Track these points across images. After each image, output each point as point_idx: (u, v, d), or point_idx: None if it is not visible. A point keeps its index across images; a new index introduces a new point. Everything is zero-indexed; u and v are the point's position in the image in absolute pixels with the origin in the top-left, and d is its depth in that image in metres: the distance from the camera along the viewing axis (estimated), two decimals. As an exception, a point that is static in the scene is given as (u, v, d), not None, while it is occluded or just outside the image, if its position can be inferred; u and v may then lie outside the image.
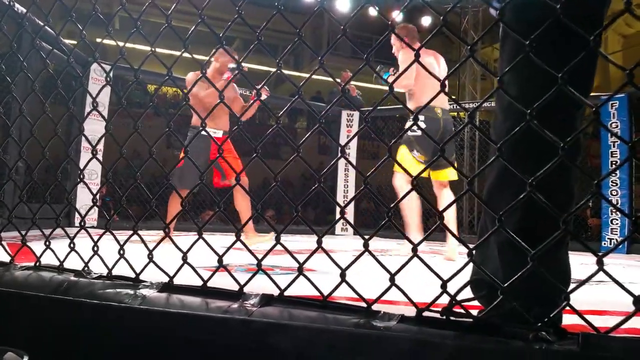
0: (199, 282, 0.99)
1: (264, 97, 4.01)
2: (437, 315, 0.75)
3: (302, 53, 15.55)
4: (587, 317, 0.71)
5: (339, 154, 0.87)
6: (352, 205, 6.58)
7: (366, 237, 0.85)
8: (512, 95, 0.71)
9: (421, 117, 3.37)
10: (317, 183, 0.86)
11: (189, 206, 7.14)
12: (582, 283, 0.69)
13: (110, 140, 1.26)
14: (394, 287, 0.82)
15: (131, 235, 1.11)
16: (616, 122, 5.31)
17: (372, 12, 9.14)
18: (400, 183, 3.52)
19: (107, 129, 1.23)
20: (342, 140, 6.43)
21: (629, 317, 0.65)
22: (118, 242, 1.12)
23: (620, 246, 4.89)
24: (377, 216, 7.03)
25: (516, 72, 0.77)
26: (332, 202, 6.98)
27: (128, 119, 1.21)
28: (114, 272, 1.10)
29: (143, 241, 1.10)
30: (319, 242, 0.87)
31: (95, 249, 1.15)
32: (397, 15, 6.83)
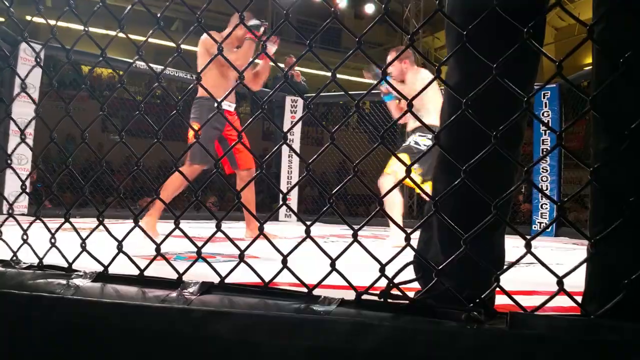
0: (136, 272, 0.96)
1: (273, 49, 3.70)
2: (376, 298, 0.77)
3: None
4: (517, 297, 0.75)
5: (282, 140, 0.87)
6: (295, 191, 6.60)
7: (308, 223, 0.86)
8: (452, 85, 0.73)
9: (429, 136, 3.61)
10: (260, 169, 0.86)
11: (124, 192, 6.92)
12: (511, 265, 0.72)
13: (42, 124, 1.19)
14: (335, 273, 0.83)
15: (63, 223, 1.07)
16: (547, 112, 5.59)
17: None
18: (387, 185, 3.59)
19: (37, 112, 1.17)
20: (286, 126, 6.42)
21: (552, 296, 0.69)
22: (49, 230, 1.07)
23: (548, 229, 5.19)
24: (321, 203, 7.10)
25: (456, 62, 0.79)
26: (276, 189, 6.97)
27: (61, 102, 1.15)
28: (45, 262, 1.06)
29: (75, 229, 1.05)
30: (261, 229, 0.86)
31: (25, 237, 1.09)
32: (341, 1, 6.86)
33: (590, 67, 0.81)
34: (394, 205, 3.60)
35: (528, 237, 0.70)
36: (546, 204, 5.51)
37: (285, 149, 6.38)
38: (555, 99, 5.60)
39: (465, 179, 0.69)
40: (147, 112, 1.04)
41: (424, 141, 3.68)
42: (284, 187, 6.46)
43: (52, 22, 1.10)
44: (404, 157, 3.65)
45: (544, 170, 5.58)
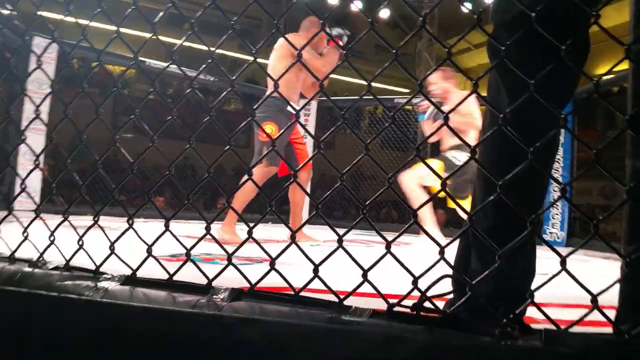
0: (163, 275, 0.97)
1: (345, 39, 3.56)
2: (407, 310, 0.77)
3: (259, 38, 15.35)
4: (546, 309, 0.75)
5: (317, 148, 0.88)
6: (306, 196, 6.59)
7: (340, 232, 0.86)
8: (490, 100, 0.73)
9: (467, 153, 3.53)
10: (293, 178, 0.86)
11: (138, 192, 6.97)
12: (545, 282, 0.72)
13: (56, 120, 1.20)
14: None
15: (92, 225, 1.08)
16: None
17: (331, 0, 9.11)
18: (412, 184, 3.57)
19: (37, 113, 1.18)
20: (299, 129, 6.41)
21: (586, 314, 0.69)
22: (76, 231, 1.08)
23: (559, 240, 5.17)
24: (332, 207, 7.10)
25: (495, 77, 0.79)
26: (285, 193, 6.97)
27: (80, 98, 1.16)
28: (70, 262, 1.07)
29: (104, 232, 1.06)
30: (293, 237, 0.87)
31: (52, 238, 1.11)
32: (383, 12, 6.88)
33: (603, 76, 0.81)
34: (424, 215, 3.58)
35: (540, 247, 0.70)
36: (557, 214, 5.48)
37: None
38: (567, 108, 5.57)
39: (501, 194, 0.70)
40: (162, 111, 1.04)
41: (461, 156, 3.68)
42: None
43: (82, 21, 1.11)
44: (439, 164, 3.66)
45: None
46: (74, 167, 1.17)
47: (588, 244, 0.81)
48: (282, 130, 2.56)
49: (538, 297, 0.74)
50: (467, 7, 7.81)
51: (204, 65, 0.98)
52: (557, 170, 5.50)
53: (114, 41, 1.09)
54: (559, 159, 5.47)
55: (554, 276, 0.70)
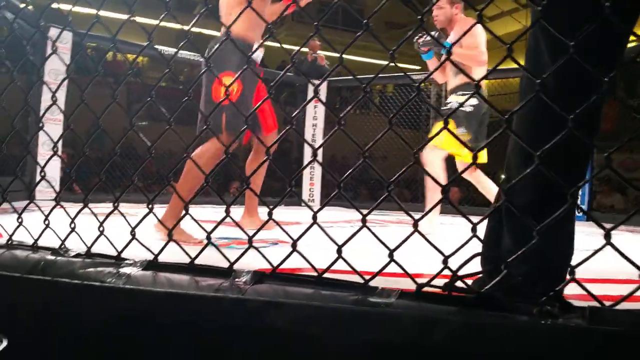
0: (184, 259, 0.95)
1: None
2: (437, 290, 0.74)
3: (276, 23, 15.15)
4: (587, 286, 0.71)
5: (337, 126, 0.84)
6: (318, 176, 6.57)
7: (364, 212, 0.83)
8: (526, 63, 0.69)
9: (469, 93, 3.01)
10: (313, 157, 0.83)
11: (154, 178, 6.98)
12: (588, 257, 0.69)
13: (81, 110, 1.19)
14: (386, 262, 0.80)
15: (112, 211, 1.06)
16: (579, 94, 5.44)
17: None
18: (432, 158, 3.12)
19: (54, 100, 1.16)
20: (310, 111, 6.37)
21: (634, 290, 0.65)
22: (97, 218, 1.07)
23: (580, 214, 5.08)
24: (344, 188, 7.07)
25: (532, 36, 0.74)
26: (294, 174, 6.95)
27: (95, 88, 1.14)
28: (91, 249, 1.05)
29: (124, 217, 1.05)
30: (315, 218, 0.84)
31: (73, 225, 1.09)
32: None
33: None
34: (488, 185, 3.13)
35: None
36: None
37: (308, 134, 6.35)
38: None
39: (538, 166, 0.66)
40: (174, 98, 1.01)
41: (468, 101, 3.04)
42: (306, 172, 6.42)
43: (91, 10, 1.08)
44: (450, 125, 3.26)
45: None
46: (91, 155, 1.15)
47: (610, 217, 0.77)
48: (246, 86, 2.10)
49: (578, 273, 0.70)
50: None
51: (217, 45, 0.94)
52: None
53: (127, 30, 1.06)
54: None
55: (597, 250, 0.66)
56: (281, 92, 11.13)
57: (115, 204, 1.02)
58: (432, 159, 3.11)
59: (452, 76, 3.21)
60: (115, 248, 1.02)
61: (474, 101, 3.05)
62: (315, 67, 7.03)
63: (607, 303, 0.67)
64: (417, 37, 3.19)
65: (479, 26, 2.80)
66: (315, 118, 6.53)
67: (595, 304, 0.66)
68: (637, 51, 0.84)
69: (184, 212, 0.92)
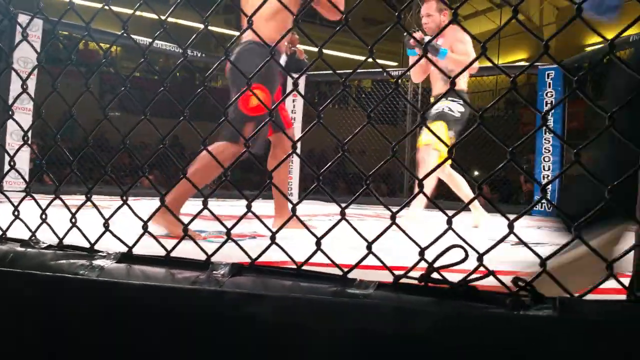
0: (159, 252, 0.94)
1: None
2: (414, 282, 0.75)
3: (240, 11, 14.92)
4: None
5: (317, 118, 0.84)
6: (297, 170, 6.57)
7: (343, 205, 0.84)
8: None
9: (460, 101, 3.25)
10: (292, 150, 0.83)
11: (127, 170, 6.87)
12: (558, 250, 0.70)
13: (51, 99, 1.16)
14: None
15: (85, 202, 1.04)
16: (551, 92, 5.55)
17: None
18: (431, 160, 3.25)
19: (24, 87, 1.13)
20: (289, 104, 6.35)
21: (602, 281, 0.67)
22: (69, 209, 1.05)
23: (549, 210, 5.22)
24: (323, 182, 7.08)
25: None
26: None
27: (66, 77, 1.12)
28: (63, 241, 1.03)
29: (98, 209, 1.03)
30: (294, 210, 0.84)
31: (44, 216, 1.07)
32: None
33: (591, 47, 0.77)
34: (461, 183, 3.37)
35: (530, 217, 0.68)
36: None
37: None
38: (559, 79, 5.55)
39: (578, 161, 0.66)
40: (149, 89, 1.00)
41: (457, 107, 3.32)
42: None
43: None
44: (441, 124, 3.27)
45: (547, 151, 5.57)
46: (62, 146, 1.12)
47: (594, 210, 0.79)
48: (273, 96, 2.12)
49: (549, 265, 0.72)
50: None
51: (195, 35, 0.93)
52: (548, 140, 5.51)
53: (102, 18, 1.04)
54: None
55: (567, 243, 0.68)
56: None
57: (88, 195, 1.00)
58: (431, 160, 3.21)
59: (441, 81, 3.36)
60: (88, 240, 1.00)
61: (462, 108, 3.28)
62: (294, 61, 7.00)
63: (577, 294, 0.69)
64: (407, 37, 3.28)
65: (467, 35, 3.07)
66: (294, 112, 6.52)
67: (565, 294, 0.68)
68: (604, 52, 0.85)
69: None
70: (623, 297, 0.71)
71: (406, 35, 3.21)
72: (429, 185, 3.24)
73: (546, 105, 5.49)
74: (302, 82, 6.63)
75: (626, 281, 0.71)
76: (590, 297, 0.68)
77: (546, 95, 5.56)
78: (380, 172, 7.68)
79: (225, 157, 2.15)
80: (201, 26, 0.85)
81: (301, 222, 0.90)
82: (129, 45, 6.63)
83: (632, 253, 0.70)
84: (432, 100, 3.54)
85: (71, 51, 0.99)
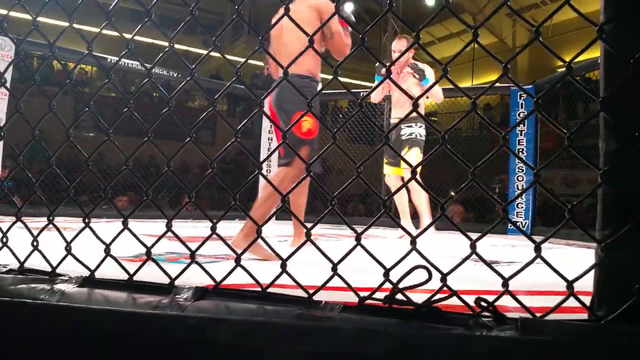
0: (122, 276, 0.92)
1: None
2: (379, 303, 0.75)
3: (223, 32, 14.98)
4: (520, 297, 0.73)
5: (282, 138, 0.84)
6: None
7: (308, 225, 0.83)
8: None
9: (419, 124, 3.64)
10: (258, 170, 0.82)
11: (101, 192, 6.72)
12: (520, 270, 0.71)
13: (16, 119, 1.14)
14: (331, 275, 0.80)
15: (46, 225, 1.01)
16: (524, 112, 5.66)
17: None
18: (415, 184, 3.52)
19: None
20: (265, 124, 6.35)
21: (562, 301, 0.67)
22: (31, 232, 1.02)
23: (522, 227, 5.28)
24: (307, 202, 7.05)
25: None
26: (251, 188, 6.89)
27: (30, 97, 1.10)
28: (25, 265, 1.00)
29: (60, 232, 1.00)
30: (259, 232, 0.83)
31: (5, 240, 1.04)
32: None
33: (576, 57, 0.78)
34: (423, 199, 3.59)
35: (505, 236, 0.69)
36: (522, 204, 5.58)
37: (264, 148, 6.32)
38: (531, 100, 5.67)
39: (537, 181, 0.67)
40: (120, 107, 0.99)
41: (423, 131, 3.68)
42: (262, 186, 6.37)
43: (26, 16, 1.05)
44: (418, 151, 3.59)
45: (520, 170, 5.66)
46: (34, 167, 1.10)
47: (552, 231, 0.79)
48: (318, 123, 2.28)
49: (511, 285, 0.72)
50: None
51: (161, 55, 0.93)
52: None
53: (76, 38, 1.03)
54: (522, 149, 5.58)
55: (529, 263, 0.69)
56: (237, 104, 11.10)
57: (50, 218, 0.97)
58: (413, 185, 3.47)
59: (406, 104, 3.60)
60: (49, 263, 0.98)
61: (424, 132, 3.67)
62: (271, 81, 7.05)
63: (539, 314, 0.69)
64: (378, 64, 3.48)
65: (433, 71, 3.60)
66: (270, 132, 6.51)
67: (527, 315, 0.68)
68: (560, 78, 0.87)
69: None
70: (585, 315, 0.72)
71: (378, 65, 3.49)
72: (423, 197, 3.57)
73: (519, 126, 5.60)
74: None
75: (587, 299, 0.71)
76: (552, 316, 0.69)
77: (519, 115, 5.66)
78: (358, 192, 7.69)
79: (289, 181, 2.28)
80: (183, 47, 0.84)
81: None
82: (105, 65, 6.59)
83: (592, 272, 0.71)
84: (394, 121, 3.78)
85: (35, 71, 0.98)
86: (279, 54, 2.51)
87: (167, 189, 6.66)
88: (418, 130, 3.64)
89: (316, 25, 2.32)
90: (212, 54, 0.92)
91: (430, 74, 3.53)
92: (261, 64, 7.24)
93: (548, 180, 7.35)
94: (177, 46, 0.89)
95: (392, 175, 3.86)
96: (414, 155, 3.55)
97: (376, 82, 3.71)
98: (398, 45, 3.59)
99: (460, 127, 9.65)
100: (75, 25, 1.01)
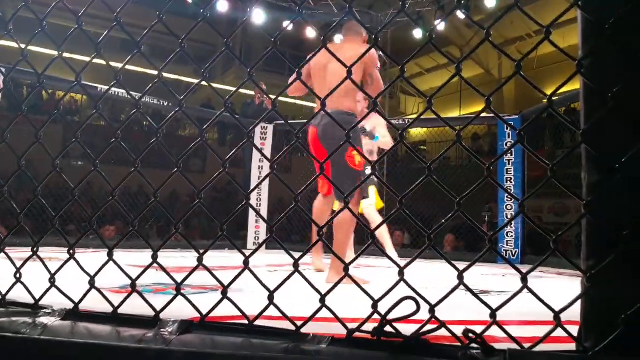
0: (108, 308, 0.90)
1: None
2: (368, 336, 0.74)
3: (215, 63, 15.10)
4: (508, 328, 0.73)
5: (260, 169, 0.84)
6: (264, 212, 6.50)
7: (296, 256, 0.83)
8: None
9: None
10: (245, 201, 0.82)
11: (89, 221, 6.65)
12: (508, 300, 0.71)
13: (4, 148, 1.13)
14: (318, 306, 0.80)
15: (30, 257, 1.00)
16: (511, 142, 5.74)
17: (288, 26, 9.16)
18: (372, 210, 4.00)
19: None
20: (255, 152, 6.36)
21: (550, 332, 0.67)
22: (14, 264, 1.00)
23: (514, 257, 5.29)
24: (290, 230, 7.02)
25: None
26: (241, 217, 6.85)
27: (21, 126, 1.10)
28: (7, 297, 0.98)
29: (44, 264, 0.99)
30: (247, 263, 0.83)
31: (-14, 273, 1.02)
32: (311, 33, 7.02)
33: (557, 91, 0.80)
34: (384, 230, 3.87)
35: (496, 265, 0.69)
36: (511, 232, 5.60)
37: (254, 176, 6.32)
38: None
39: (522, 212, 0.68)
40: (109, 137, 0.99)
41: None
42: (252, 216, 6.34)
43: (19, 45, 1.05)
44: (374, 189, 4.03)
45: (508, 199, 5.69)
46: (21, 197, 1.09)
47: (554, 261, 0.79)
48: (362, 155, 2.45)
49: (499, 315, 0.72)
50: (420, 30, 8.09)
51: (150, 85, 0.93)
52: (510, 189, 5.65)
53: (67, 66, 1.04)
54: (510, 178, 5.63)
55: (516, 294, 0.69)
56: (228, 133, 11.13)
57: (34, 249, 0.96)
58: (373, 212, 4.03)
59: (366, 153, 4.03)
60: (32, 296, 0.96)
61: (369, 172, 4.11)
62: (262, 110, 7.09)
63: (527, 344, 0.69)
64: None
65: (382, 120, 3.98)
66: (261, 160, 6.52)
67: (515, 346, 0.68)
68: (543, 110, 0.87)
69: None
70: (573, 346, 0.71)
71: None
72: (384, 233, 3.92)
73: (506, 155, 5.66)
74: (270, 131, 6.70)
75: (576, 329, 0.71)
76: (541, 347, 0.68)
77: (506, 145, 5.74)
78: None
79: (351, 216, 2.43)
80: (174, 76, 0.85)
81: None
82: (93, 95, 6.61)
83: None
84: None
85: (23, 101, 0.98)
86: (321, 90, 2.65)
87: (156, 218, 6.61)
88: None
89: (360, 69, 2.61)
90: (204, 82, 0.93)
91: (381, 131, 3.91)
92: (252, 93, 7.32)
93: (536, 209, 7.38)
94: (168, 75, 0.91)
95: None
96: (373, 192, 4.01)
97: None
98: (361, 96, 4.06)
99: (449, 157, 9.75)
100: (66, 55, 1.02)
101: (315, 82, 2.70)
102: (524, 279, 0.67)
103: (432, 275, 3.41)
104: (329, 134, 2.61)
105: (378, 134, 3.84)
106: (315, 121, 2.63)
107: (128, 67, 0.93)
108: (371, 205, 3.99)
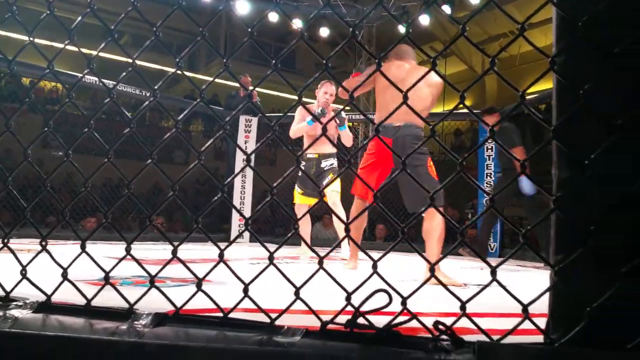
0: (82, 300, 0.89)
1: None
2: (341, 328, 0.75)
3: (198, 54, 15.04)
4: (479, 320, 0.74)
5: (245, 162, 0.84)
6: (247, 213, 6.49)
7: (271, 248, 0.83)
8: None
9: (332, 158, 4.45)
10: (221, 193, 0.82)
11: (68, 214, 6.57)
12: (477, 293, 0.72)
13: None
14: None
15: (1, 248, 0.98)
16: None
17: (273, 17, 9.11)
18: (338, 199, 4.17)
19: None
20: (240, 145, 6.33)
21: (518, 324, 0.68)
22: (-16, 256, 0.98)
23: (492, 251, 5.37)
24: (273, 223, 7.02)
25: None
26: (225, 210, 6.83)
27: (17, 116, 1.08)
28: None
29: (15, 255, 0.97)
30: (221, 255, 0.82)
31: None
32: (296, 23, 6.98)
33: (529, 87, 0.80)
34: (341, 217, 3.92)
35: (476, 258, 0.70)
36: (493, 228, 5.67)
37: (238, 168, 6.29)
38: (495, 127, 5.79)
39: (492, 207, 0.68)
40: (94, 127, 0.97)
41: (332, 162, 4.44)
42: (236, 205, 6.33)
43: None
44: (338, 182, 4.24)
45: (488, 194, 5.75)
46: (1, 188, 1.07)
47: (520, 254, 0.81)
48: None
49: (471, 307, 0.73)
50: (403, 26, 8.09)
51: (123, 74, 0.92)
52: (490, 184, 5.72)
53: (48, 54, 1.02)
54: (490, 173, 5.69)
55: (485, 287, 0.70)
56: (214, 125, 11.05)
57: (5, 240, 0.94)
58: (337, 199, 4.17)
59: (330, 146, 4.24)
60: (3, 288, 0.94)
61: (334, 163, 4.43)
62: (253, 104, 7.06)
63: (497, 336, 0.70)
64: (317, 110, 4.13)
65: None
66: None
67: (485, 337, 0.69)
68: (515, 107, 0.88)
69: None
70: (541, 338, 0.72)
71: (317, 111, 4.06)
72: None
73: (487, 151, 5.72)
74: (254, 124, 6.67)
75: (543, 322, 0.72)
76: (510, 339, 0.69)
77: (487, 141, 5.79)
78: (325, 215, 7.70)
79: (443, 220, 2.72)
80: (158, 67, 0.84)
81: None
82: (68, 83, 6.49)
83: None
84: (313, 155, 4.39)
85: (9, 94, 0.96)
86: (395, 103, 2.73)
87: (137, 210, 6.54)
88: (335, 162, 4.45)
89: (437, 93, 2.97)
90: (189, 74, 0.93)
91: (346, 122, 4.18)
92: (237, 85, 7.25)
93: (515, 204, 7.48)
94: (152, 66, 0.90)
95: (303, 205, 4.37)
96: (338, 182, 4.18)
97: (310, 127, 4.26)
98: (330, 89, 4.15)
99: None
100: (46, 42, 1.00)
101: (388, 93, 2.86)
102: (494, 272, 0.69)
103: (409, 269, 3.44)
104: (407, 145, 2.81)
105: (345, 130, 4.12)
106: (387, 132, 2.82)
107: (116, 57, 0.92)
108: (335, 192, 4.15)
